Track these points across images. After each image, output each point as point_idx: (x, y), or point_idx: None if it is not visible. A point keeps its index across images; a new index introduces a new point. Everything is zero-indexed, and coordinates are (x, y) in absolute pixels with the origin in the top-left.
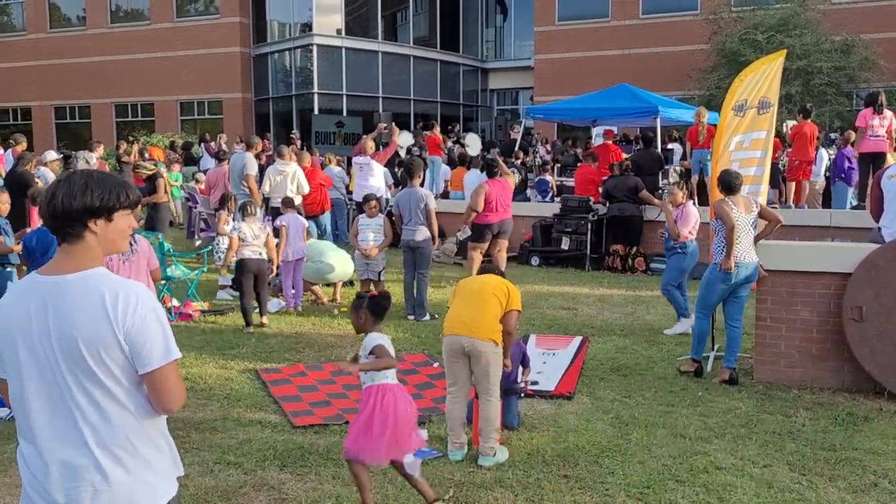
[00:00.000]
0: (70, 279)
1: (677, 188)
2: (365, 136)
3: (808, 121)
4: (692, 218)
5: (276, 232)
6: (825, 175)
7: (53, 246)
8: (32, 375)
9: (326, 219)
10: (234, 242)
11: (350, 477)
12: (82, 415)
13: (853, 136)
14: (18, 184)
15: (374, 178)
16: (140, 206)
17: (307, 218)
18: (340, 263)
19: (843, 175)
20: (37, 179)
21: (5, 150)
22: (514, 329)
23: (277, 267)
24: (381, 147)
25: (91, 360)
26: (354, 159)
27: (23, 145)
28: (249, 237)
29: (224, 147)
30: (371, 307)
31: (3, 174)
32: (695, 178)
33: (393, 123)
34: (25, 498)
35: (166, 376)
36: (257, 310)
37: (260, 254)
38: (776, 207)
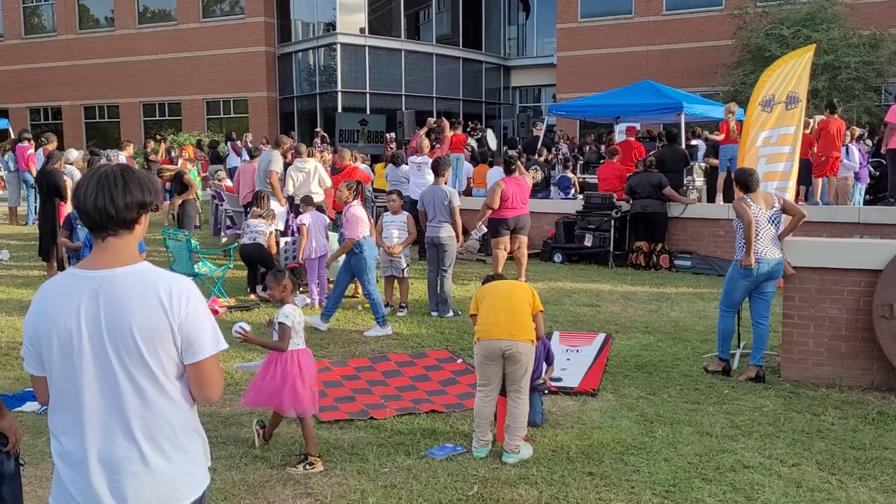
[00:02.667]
0: (121, 273)
1: (346, 188)
2: (419, 134)
3: (835, 116)
4: (356, 219)
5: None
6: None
7: None
8: (79, 370)
9: None
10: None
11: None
12: (129, 406)
13: (857, 131)
14: (49, 182)
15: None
16: (173, 203)
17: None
18: None
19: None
20: (66, 178)
21: (37, 149)
22: (543, 330)
23: (294, 259)
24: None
25: (146, 351)
26: (410, 158)
27: (53, 144)
28: (252, 227)
29: (250, 144)
30: (293, 280)
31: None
32: (722, 175)
33: (443, 118)
34: (62, 493)
35: (212, 366)
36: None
37: (254, 239)
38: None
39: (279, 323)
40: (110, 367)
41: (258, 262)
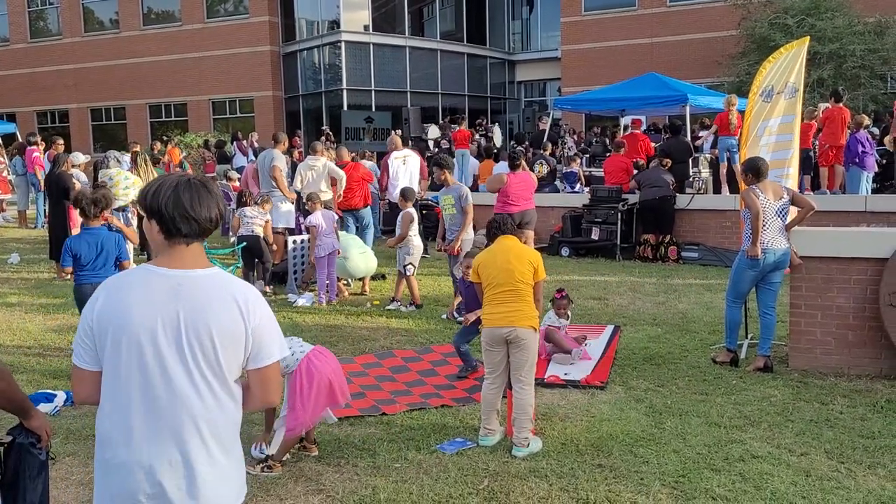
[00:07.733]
0: (202, 274)
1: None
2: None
3: (840, 105)
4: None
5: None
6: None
7: (105, 249)
8: (145, 366)
9: (368, 213)
10: (235, 221)
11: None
12: (191, 407)
13: (866, 119)
14: (58, 185)
15: (416, 169)
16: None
17: (348, 212)
18: (363, 260)
19: (857, 160)
20: (75, 181)
21: (44, 152)
22: (542, 297)
23: (304, 259)
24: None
25: (221, 352)
26: (394, 153)
27: (60, 147)
28: (248, 218)
29: (256, 144)
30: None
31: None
32: (723, 166)
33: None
34: (107, 491)
35: (276, 371)
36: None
37: (252, 231)
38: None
39: None
40: (179, 365)
41: (255, 255)
